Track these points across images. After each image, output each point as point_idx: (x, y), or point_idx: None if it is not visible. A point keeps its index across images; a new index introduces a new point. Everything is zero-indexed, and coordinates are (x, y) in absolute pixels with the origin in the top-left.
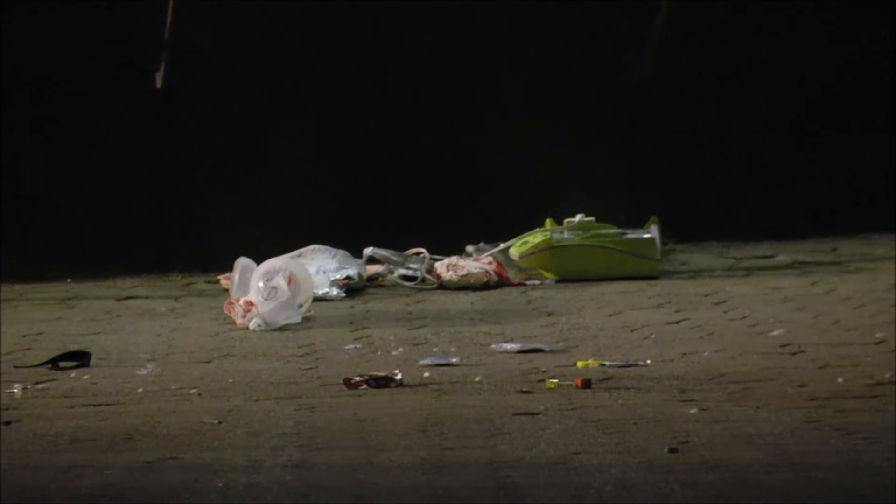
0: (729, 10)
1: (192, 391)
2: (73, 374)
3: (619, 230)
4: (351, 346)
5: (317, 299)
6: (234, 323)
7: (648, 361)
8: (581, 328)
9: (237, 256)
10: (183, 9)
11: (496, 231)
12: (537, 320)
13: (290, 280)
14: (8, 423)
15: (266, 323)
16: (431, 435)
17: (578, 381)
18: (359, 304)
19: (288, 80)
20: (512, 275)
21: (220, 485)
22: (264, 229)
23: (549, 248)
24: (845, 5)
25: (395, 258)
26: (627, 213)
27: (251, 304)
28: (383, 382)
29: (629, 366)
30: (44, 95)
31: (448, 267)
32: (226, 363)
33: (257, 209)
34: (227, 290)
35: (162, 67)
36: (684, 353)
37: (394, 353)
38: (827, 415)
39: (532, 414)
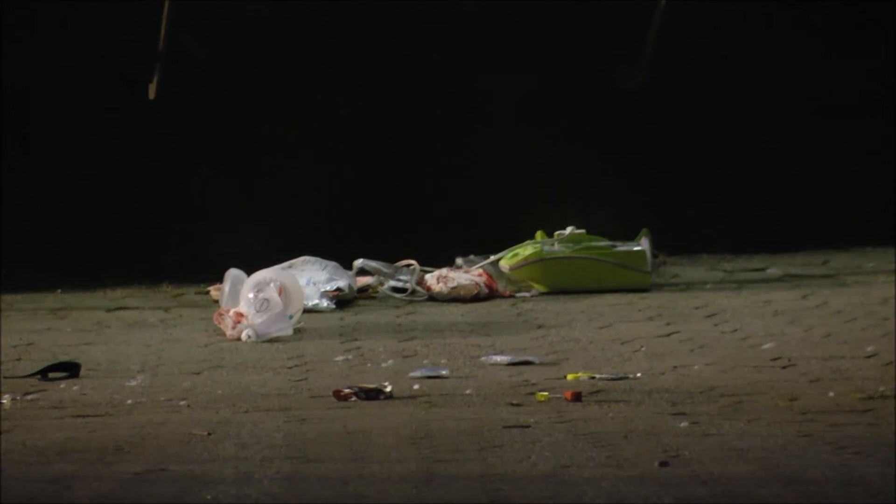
0: (724, 21)
1: (182, 402)
2: (63, 384)
3: (610, 242)
4: (341, 358)
5: (307, 311)
6: (224, 334)
7: (639, 374)
8: (571, 341)
9: (227, 268)
10: (177, 20)
11: (486, 243)
12: (527, 333)
13: (281, 291)
14: None
15: (257, 334)
16: (422, 447)
17: (569, 394)
18: (349, 316)
19: (280, 92)
20: (502, 287)
21: (210, 497)
22: (255, 241)
23: (539, 261)
24: (847, 18)
25: (385, 270)
26: (618, 226)
27: (241, 315)
28: (373, 394)
29: (620, 379)
30: (36, 106)
31: (438, 279)
32: (215, 374)
33: (248, 221)
34: (217, 302)
35: (155, 79)
36: (675, 366)
37: (384, 364)
38: (819, 429)
39: (523, 427)
